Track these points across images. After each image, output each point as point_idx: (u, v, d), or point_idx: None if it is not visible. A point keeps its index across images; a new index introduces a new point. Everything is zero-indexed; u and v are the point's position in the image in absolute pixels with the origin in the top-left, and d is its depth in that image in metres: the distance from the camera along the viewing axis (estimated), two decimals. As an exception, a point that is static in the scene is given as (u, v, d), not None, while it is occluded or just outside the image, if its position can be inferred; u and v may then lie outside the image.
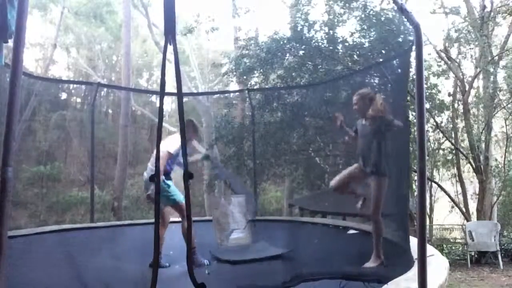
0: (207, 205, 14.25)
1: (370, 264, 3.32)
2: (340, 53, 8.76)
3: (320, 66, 8.75)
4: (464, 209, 10.86)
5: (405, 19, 2.08)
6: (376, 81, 6.42)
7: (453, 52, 11.00)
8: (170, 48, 1.66)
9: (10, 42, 2.47)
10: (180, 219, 4.28)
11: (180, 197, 4.10)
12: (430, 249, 3.18)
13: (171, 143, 4.10)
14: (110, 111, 23.47)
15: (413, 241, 3.35)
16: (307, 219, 7.14)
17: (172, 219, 4.38)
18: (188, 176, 1.69)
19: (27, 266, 3.45)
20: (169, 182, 4.08)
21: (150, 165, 4.12)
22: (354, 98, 3.74)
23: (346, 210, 8.37)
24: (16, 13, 2.07)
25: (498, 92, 10.23)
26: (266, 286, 3.34)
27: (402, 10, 1.99)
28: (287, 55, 9.21)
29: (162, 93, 1.73)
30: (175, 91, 2.13)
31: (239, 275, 3.73)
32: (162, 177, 3.95)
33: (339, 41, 8.74)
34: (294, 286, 3.20)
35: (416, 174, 2.27)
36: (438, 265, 2.84)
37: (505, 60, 10.45)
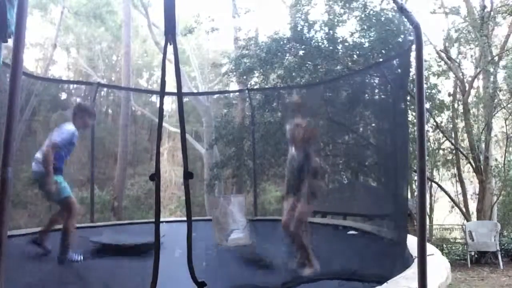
0: (207, 205, 14.26)
1: (306, 272, 3.38)
2: (340, 53, 8.75)
3: (320, 66, 8.75)
4: (464, 209, 10.86)
5: (405, 19, 2.08)
6: (376, 81, 6.41)
7: (453, 52, 11.00)
8: (170, 48, 1.66)
9: (10, 42, 2.47)
10: (180, 219, 4.21)
11: (66, 193, 3.76)
12: (430, 249, 3.18)
13: (58, 133, 3.75)
14: (110, 111, 23.48)
15: (413, 240, 3.36)
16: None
17: (172, 218, 4.36)
18: (188, 175, 1.69)
19: (27, 266, 3.45)
20: (57, 177, 3.69)
21: (39, 154, 3.73)
22: (288, 127, 3.89)
23: (346, 210, 8.38)
24: (15, 12, 2.08)
25: (498, 92, 10.22)
26: (266, 286, 3.34)
27: (402, 10, 1.99)
28: (287, 55, 9.21)
29: (162, 93, 1.73)
30: (175, 90, 2.13)
31: (239, 275, 3.73)
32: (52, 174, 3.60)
33: (339, 41, 8.74)
34: (294, 287, 3.20)
35: (416, 174, 2.27)
36: (438, 264, 2.84)
37: (505, 60, 10.45)
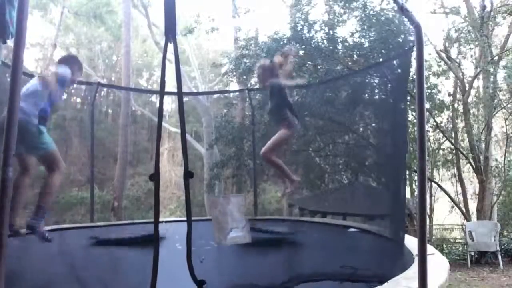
0: (207, 205, 14.26)
1: (290, 188, 3.93)
2: (340, 53, 8.75)
3: (320, 66, 8.75)
4: (464, 209, 10.86)
5: (406, 19, 2.08)
6: (376, 81, 6.42)
7: (453, 52, 11.01)
8: (170, 47, 1.66)
9: (9, 42, 2.47)
10: (180, 219, 4.19)
11: (52, 145, 3.29)
12: (430, 249, 3.18)
13: (56, 67, 3.35)
14: (110, 111, 23.49)
15: (413, 240, 3.36)
16: (307, 219, 7.15)
17: (172, 218, 4.35)
18: (188, 175, 1.69)
19: (27, 266, 3.45)
20: (42, 127, 3.20)
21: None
22: (256, 71, 4.41)
23: (346, 210, 8.38)
24: (15, 13, 2.08)
25: (498, 92, 10.22)
26: (265, 285, 3.34)
27: (402, 9, 1.99)
28: (287, 55, 9.20)
29: (162, 92, 1.73)
30: (175, 90, 2.13)
31: (238, 274, 3.73)
32: (35, 120, 3.13)
33: (339, 41, 8.74)
34: (293, 287, 3.20)
35: (416, 174, 2.28)
36: (438, 264, 2.84)
37: (505, 60, 10.45)
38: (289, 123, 3.89)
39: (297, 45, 8.86)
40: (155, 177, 1.82)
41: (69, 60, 3.69)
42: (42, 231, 3.21)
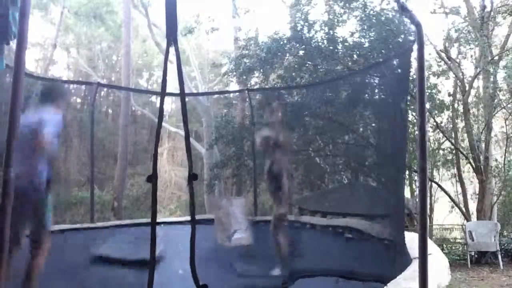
0: (207, 206, 14.26)
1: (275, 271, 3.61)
2: (340, 53, 8.75)
3: (320, 66, 8.75)
4: (464, 209, 10.86)
5: (406, 19, 2.09)
6: (376, 81, 6.42)
7: (453, 52, 11.00)
8: (172, 49, 1.65)
9: (11, 44, 2.47)
10: (181, 219, 4.15)
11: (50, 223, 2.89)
12: (430, 246, 3.18)
13: (51, 123, 2.80)
14: (110, 111, 23.48)
15: (413, 237, 3.36)
16: (307, 219, 7.14)
17: (172, 219, 4.34)
18: (192, 177, 1.68)
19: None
20: (49, 198, 2.83)
21: (22, 165, 2.53)
22: (259, 140, 4.29)
23: (346, 210, 8.37)
24: (18, 14, 2.07)
25: (498, 92, 10.22)
26: (265, 285, 3.36)
27: (403, 9, 1.99)
28: (287, 55, 9.21)
29: (163, 94, 1.73)
30: (175, 91, 2.13)
31: (240, 275, 3.74)
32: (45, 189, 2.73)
33: (339, 41, 8.74)
34: (292, 283, 3.21)
35: (416, 174, 2.27)
36: (437, 264, 2.84)
37: (505, 60, 10.44)
38: (282, 212, 3.87)
39: (297, 45, 8.87)
40: (153, 178, 1.80)
41: (57, 98, 3.17)
42: None
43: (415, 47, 2.24)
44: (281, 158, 3.89)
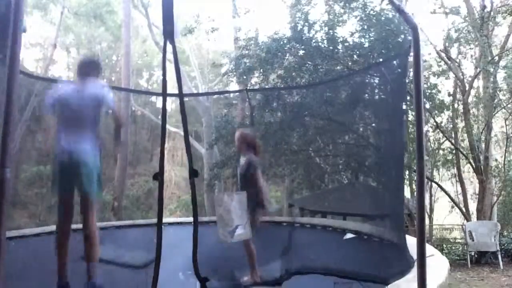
0: (207, 205, 14.26)
1: (246, 280, 3.55)
2: (340, 53, 8.75)
3: (320, 66, 8.74)
4: (464, 209, 10.84)
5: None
6: (376, 81, 6.41)
7: (453, 52, 10.99)
8: (169, 48, 1.65)
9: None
10: (183, 219, 4.14)
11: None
12: (430, 249, 3.18)
13: (108, 93, 3.08)
14: (110, 111, 23.45)
15: (413, 242, 3.36)
16: (306, 220, 7.15)
17: (172, 219, 4.34)
18: (193, 173, 1.68)
19: (27, 266, 3.45)
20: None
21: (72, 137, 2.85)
22: (236, 137, 4.10)
23: (346, 210, 8.38)
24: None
25: (498, 92, 10.21)
26: (264, 283, 3.36)
27: (399, 11, 2.00)
28: (287, 55, 9.21)
29: (164, 94, 1.72)
30: (175, 91, 2.12)
31: (239, 271, 3.75)
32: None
33: (339, 41, 8.74)
34: (288, 279, 3.22)
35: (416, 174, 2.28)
36: (438, 265, 2.84)
37: (505, 60, 10.43)
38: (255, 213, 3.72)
39: (297, 45, 8.87)
40: (159, 176, 1.80)
41: (99, 70, 3.35)
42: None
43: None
44: (256, 160, 3.80)
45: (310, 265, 3.53)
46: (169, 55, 1.76)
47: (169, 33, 1.61)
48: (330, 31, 8.72)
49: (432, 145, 11.28)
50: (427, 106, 9.51)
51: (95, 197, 2.95)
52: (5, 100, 1.29)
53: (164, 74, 1.74)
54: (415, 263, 2.66)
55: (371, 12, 8.42)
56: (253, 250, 3.65)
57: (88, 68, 3.21)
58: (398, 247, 3.48)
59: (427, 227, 9.20)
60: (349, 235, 5.05)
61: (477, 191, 10.70)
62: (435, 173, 12.35)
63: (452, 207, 12.08)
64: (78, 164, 2.79)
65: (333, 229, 5.60)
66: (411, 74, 4.09)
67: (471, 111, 10.86)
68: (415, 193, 11.75)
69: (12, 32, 1.33)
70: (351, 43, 8.74)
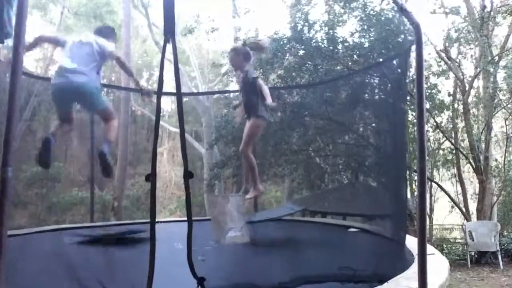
0: (207, 205, 14.26)
1: (251, 194, 3.82)
2: (340, 53, 8.76)
3: (320, 66, 8.75)
4: (464, 209, 10.85)
5: (405, 19, 2.09)
6: (376, 81, 6.41)
7: (453, 52, 11.00)
8: (169, 47, 1.66)
9: (8, 42, 2.46)
10: (182, 219, 4.17)
11: (108, 102, 3.96)
12: (430, 249, 3.18)
13: (106, 42, 3.73)
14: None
15: (413, 241, 3.37)
16: (306, 219, 7.15)
17: (173, 219, 4.34)
18: (188, 175, 1.68)
19: (27, 266, 3.45)
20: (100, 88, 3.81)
21: (70, 62, 3.55)
22: (229, 54, 4.31)
23: (346, 210, 8.38)
24: (13, 12, 2.07)
25: (498, 92, 10.22)
26: (263, 284, 3.35)
27: (402, 10, 1.99)
28: (287, 55, 9.21)
29: (159, 92, 1.73)
30: (174, 90, 2.13)
31: (237, 273, 3.74)
32: (97, 82, 3.65)
33: (339, 41, 8.74)
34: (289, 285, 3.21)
35: (416, 174, 2.28)
36: (438, 264, 2.84)
37: (505, 60, 10.44)
38: (262, 116, 4.00)
39: (297, 45, 8.87)
40: (151, 177, 1.80)
41: (111, 35, 3.98)
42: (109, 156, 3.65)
43: (414, 47, 2.23)
44: (254, 72, 4.01)
45: (311, 267, 3.53)
46: (169, 55, 1.76)
47: (169, 32, 1.61)
48: (330, 31, 8.72)
49: (432, 145, 11.29)
50: (427, 106, 9.51)
51: (105, 105, 3.70)
52: (7, 98, 1.29)
53: (161, 74, 1.74)
54: (415, 260, 2.67)
55: (371, 12, 8.43)
56: (253, 162, 3.77)
57: (104, 31, 3.92)
58: (398, 244, 3.49)
59: (427, 227, 9.19)
60: (352, 229, 5.07)
61: (477, 191, 10.71)
62: (435, 173, 12.36)
63: (452, 207, 12.10)
64: (79, 84, 3.48)
65: (333, 227, 5.60)
66: (412, 74, 4.11)
67: (471, 111, 10.87)
68: (415, 193, 11.81)
69: (15, 33, 1.34)
70: (351, 43, 8.74)
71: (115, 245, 4.04)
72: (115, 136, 3.88)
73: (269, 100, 3.80)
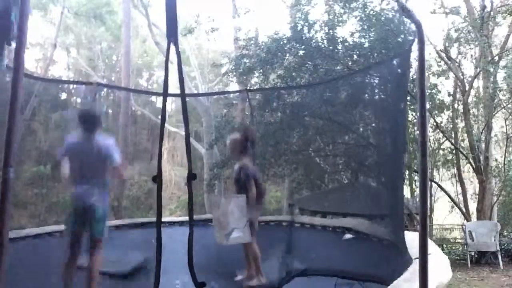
0: (208, 205, 14.25)
1: (255, 282, 3.56)
2: (340, 53, 8.75)
3: (320, 66, 8.74)
4: (464, 209, 10.85)
5: (406, 19, 2.09)
6: (376, 81, 6.40)
7: (453, 52, 11.00)
8: (173, 49, 1.65)
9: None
10: (182, 219, 4.15)
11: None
12: (430, 246, 3.17)
13: (115, 149, 3.38)
14: (110, 111, 23.48)
15: (413, 237, 3.36)
16: (306, 220, 7.14)
17: (173, 219, 4.34)
18: (191, 177, 1.67)
19: (26, 266, 3.45)
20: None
21: (90, 183, 3.28)
22: (229, 143, 4.18)
23: (346, 210, 8.38)
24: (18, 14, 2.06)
25: (498, 92, 10.22)
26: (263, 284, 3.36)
27: (403, 9, 1.99)
28: (287, 55, 9.20)
29: (165, 95, 1.72)
30: (175, 91, 2.12)
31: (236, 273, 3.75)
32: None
33: (339, 41, 8.74)
34: (289, 281, 3.21)
35: (416, 174, 2.28)
36: (437, 263, 2.84)
37: (505, 60, 10.44)
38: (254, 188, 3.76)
39: (297, 45, 8.86)
40: (157, 178, 1.79)
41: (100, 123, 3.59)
42: None
43: (414, 47, 2.23)
44: (249, 165, 3.82)
45: (311, 266, 3.53)
46: (172, 57, 1.76)
47: (172, 34, 1.60)
48: (330, 31, 8.72)
49: (432, 145, 11.29)
50: (427, 106, 9.50)
51: (103, 237, 3.36)
52: (9, 100, 1.29)
53: (166, 76, 1.73)
54: (414, 261, 2.67)
55: (371, 12, 8.42)
56: (256, 252, 3.63)
57: (90, 124, 3.42)
58: (398, 246, 3.49)
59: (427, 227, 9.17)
60: (348, 236, 5.04)
61: (477, 191, 10.71)
62: (435, 173, 12.37)
63: (452, 207, 12.10)
64: (91, 210, 3.24)
65: (333, 229, 5.59)
66: (412, 74, 4.10)
67: (471, 111, 10.88)
68: (415, 193, 11.79)
69: (18, 35, 1.34)
70: (351, 43, 8.73)
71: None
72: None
73: (251, 202, 3.61)
